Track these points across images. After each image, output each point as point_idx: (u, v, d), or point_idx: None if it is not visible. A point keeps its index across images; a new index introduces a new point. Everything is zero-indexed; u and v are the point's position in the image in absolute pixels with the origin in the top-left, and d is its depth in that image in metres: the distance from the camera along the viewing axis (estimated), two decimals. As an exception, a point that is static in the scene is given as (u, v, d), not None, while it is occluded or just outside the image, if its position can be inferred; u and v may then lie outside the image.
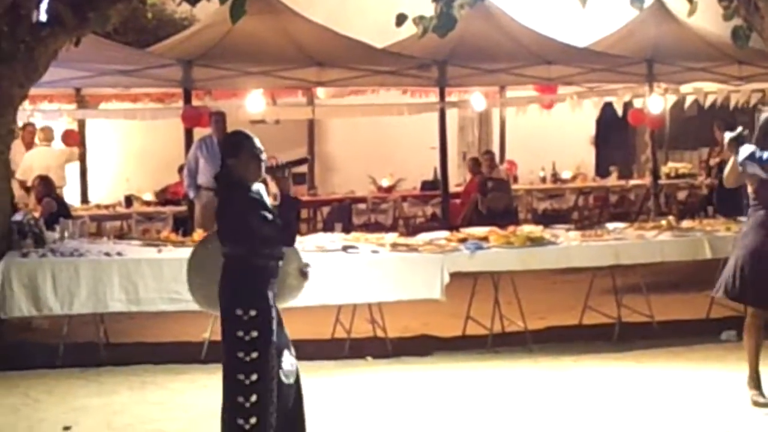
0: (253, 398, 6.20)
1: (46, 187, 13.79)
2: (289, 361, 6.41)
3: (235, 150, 6.39)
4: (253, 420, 6.19)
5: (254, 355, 6.21)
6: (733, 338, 10.42)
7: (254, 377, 6.21)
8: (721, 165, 19.11)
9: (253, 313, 6.23)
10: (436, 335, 11.25)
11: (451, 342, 10.96)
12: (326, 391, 8.64)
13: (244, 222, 6.26)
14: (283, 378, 6.36)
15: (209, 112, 14.96)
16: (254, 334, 6.22)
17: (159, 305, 10.05)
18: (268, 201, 6.39)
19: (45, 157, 15.92)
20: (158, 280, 9.95)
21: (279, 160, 6.52)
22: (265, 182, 6.48)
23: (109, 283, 9.89)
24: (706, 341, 10.60)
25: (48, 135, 16.34)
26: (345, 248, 10.36)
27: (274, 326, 6.30)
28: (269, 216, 6.27)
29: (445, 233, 11.36)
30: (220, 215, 6.43)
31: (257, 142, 6.41)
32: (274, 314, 6.32)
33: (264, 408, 6.22)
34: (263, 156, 6.39)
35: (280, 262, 6.40)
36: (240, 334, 6.23)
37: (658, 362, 9.81)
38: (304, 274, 6.68)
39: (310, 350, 9.90)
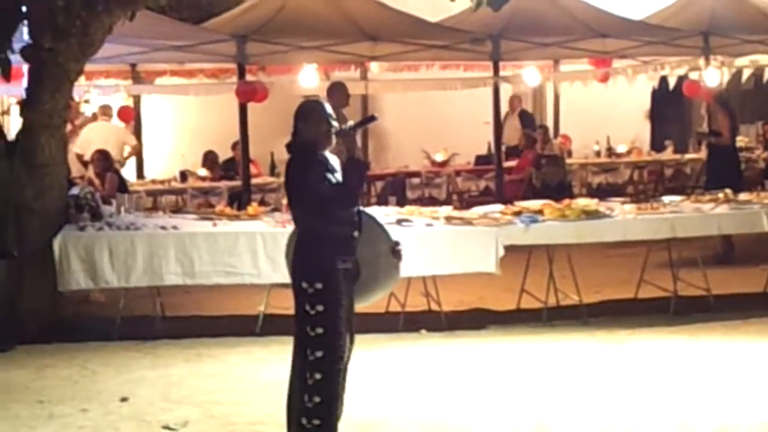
0: (317, 376, 6.06)
1: (105, 162, 13.87)
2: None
3: (306, 114, 6.31)
4: (316, 398, 6.06)
5: (319, 330, 6.06)
6: (791, 312, 10.35)
7: (319, 354, 6.06)
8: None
9: (319, 286, 6.08)
10: (490, 309, 11.25)
11: (506, 315, 10.95)
12: (380, 364, 8.65)
13: (305, 183, 6.13)
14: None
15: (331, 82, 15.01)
16: (320, 308, 6.07)
17: (214, 279, 10.12)
18: (337, 166, 6.25)
19: (104, 132, 16.03)
20: (213, 253, 10.02)
21: (346, 124, 6.42)
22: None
23: (165, 256, 9.97)
24: (764, 315, 10.52)
25: (107, 111, 16.45)
26: (399, 221, 10.34)
27: (344, 301, 6.14)
28: (332, 179, 6.14)
29: (499, 206, 11.33)
30: (287, 179, 6.34)
31: (329, 109, 6.33)
32: (343, 289, 6.14)
33: (329, 387, 6.08)
34: (334, 123, 6.28)
35: (355, 233, 6.20)
36: (306, 307, 6.10)
37: (715, 336, 9.74)
38: (396, 253, 6.44)
39: (364, 323, 9.88)
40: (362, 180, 6.35)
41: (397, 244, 6.48)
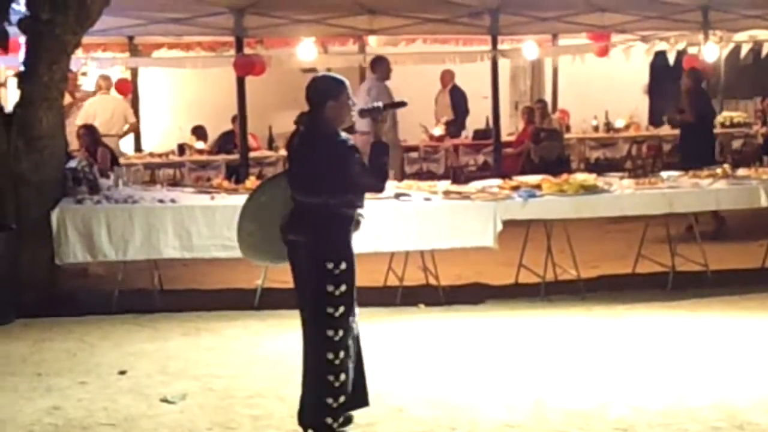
0: (342, 354, 6.11)
1: (92, 136, 13.80)
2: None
3: (335, 93, 6.19)
4: (342, 377, 6.11)
5: (341, 309, 6.10)
6: (788, 288, 10.37)
7: (341, 333, 6.11)
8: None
9: (343, 266, 6.09)
10: (488, 283, 11.26)
11: (504, 290, 10.95)
12: (378, 338, 8.64)
13: (344, 172, 6.07)
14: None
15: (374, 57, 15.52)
16: (343, 288, 6.09)
17: (212, 252, 10.11)
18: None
19: (107, 105, 16.04)
20: (211, 227, 10.02)
21: (374, 103, 6.40)
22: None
23: (163, 229, 9.97)
24: (761, 290, 10.54)
25: (108, 83, 16.45)
26: (397, 196, 10.35)
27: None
28: (364, 163, 6.15)
29: (497, 181, 11.32)
30: (312, 162, 6.17)
31: (350, 87, 6.30)
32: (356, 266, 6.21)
33: (347, 365, 6.15)
34: (355, 101, 6.29)
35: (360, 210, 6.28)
36: (330, 288, 6.08)
37: (712, 311, 9.75)
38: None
39: (362, 297, 9.85)
40: (388, 163, 6.36)
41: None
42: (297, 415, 6.36)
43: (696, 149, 14.07)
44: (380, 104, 6.42)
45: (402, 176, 15.62)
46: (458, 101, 18.95)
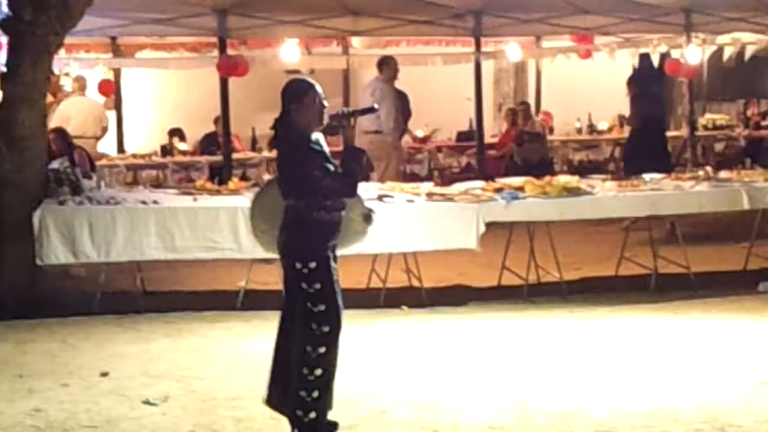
0: (321, 349, 6.17)
1: (64, 140, 13.68)
2: None
3: (299, 95, 6.28)
4: (318, 371, 6.17)
5: (322, 307, 6.18)
6: (770, 289, 10.40)
7: (326, 329, 6.18)
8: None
9: (312, 265, 6.17)
10: (471, 285, 11.26)
11: (487, 292, 10.96)
12: (361, 340, 8.64)
13: (304, 175, 6.16)
14: None
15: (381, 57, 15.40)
16: (317, 286, 6.17)
17: (195, 253, 10.10)
18: (326, 148, 6.28)
19: (82, 108, 15.96)
20: (194, 228, 10.00)
21: (343, 108, 6.45)
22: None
23: (146, 231, 9.95)
24: (743, 293, 10.57)
25: (82, 84, 16.37)
26: (380, 197, 10.34)
27: (335, 276, 6.27)
28: (330, 167, 6.18)
29: (480, 183, 11.33)
30: (281, 166, 6.39)
31: (320, 90, 6.32)
32: (333, 264, 6.26)
33: (329, 361, 6.22)
34: (326, 104, 6.32)
35: (344, 212, 6.34)
36: (304, 285, 6.19)
37: (695, 313, 9.76)
38: (368, 219, 6.66)
39: (345, 299, 9.89)
40: (361, 168, 6.39)
41: (371, 210, 6.70)
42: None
43: (639, 155, 14.09)
44: (348, 110, 6.48)
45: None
46: (402, 105, 18.93)
